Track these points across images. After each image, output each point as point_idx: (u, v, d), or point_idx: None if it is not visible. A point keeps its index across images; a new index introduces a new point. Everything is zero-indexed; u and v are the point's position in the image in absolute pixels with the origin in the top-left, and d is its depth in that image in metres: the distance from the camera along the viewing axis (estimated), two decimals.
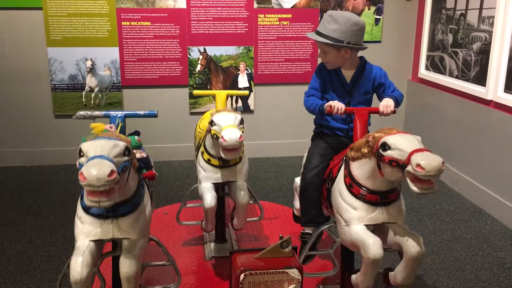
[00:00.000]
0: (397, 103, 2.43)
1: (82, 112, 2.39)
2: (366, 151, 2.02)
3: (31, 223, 3.50)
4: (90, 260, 1.86)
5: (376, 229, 2.14)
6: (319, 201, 2.46)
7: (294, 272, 1.89)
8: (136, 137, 2.16)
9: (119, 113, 2.33)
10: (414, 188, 1.80)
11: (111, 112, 2.34)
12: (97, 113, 2.38)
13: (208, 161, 2.64)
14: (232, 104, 4.76)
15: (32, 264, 2.95)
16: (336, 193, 2.21)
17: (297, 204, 3.01)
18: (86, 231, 1.92)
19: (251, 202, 2.81)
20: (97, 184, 1.60)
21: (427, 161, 1.75)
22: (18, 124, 4.63)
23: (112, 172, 1.62)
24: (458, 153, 4.13)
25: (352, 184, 2.11)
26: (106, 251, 2.14)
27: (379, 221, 2.07)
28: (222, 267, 2.86)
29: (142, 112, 2.43)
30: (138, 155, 2.10)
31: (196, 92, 3.29)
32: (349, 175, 2.14)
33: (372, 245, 1.96)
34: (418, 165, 1.75)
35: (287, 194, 4.04)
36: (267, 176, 4.48)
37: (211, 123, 2.49)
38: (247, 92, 3.29)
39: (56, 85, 4.56)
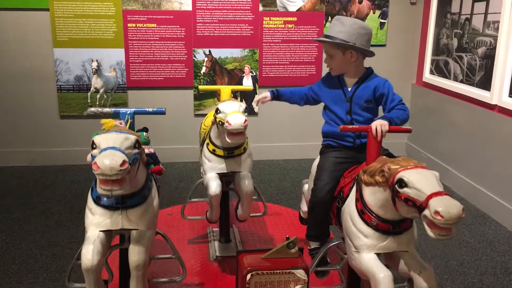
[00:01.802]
0: (396, 124, 2.29)
1: (93, 109, 2.54)
2: (380, 180, 1.93)
3: (36, 223, 3.51)
4: (101, 248, 1.93)
5: (386, 254, 2.07)
6: (328, 218, 2.43)
7: (300, 273, 1.89)
8: (144, 133, 2.23)
9: (128, 110, 2.42)
10: (430, 233, 1.72)
11: (120, 109, 2.43)
12: (107, 109, 2.48)
13: (213, 152, 2.71)
14: None
15: (37, 264, 2.97)
16: (346, 216, 2.14)
17: (303, 206, 3.01)
18: (96, 221, 1.99)
19: (254, 197, 2.84)
20: (110, 173, 1.69)
21: (447, 209, 1.65)
22: (23, 124, 4.65)
23: (124, 162, 1.71)
24: (462, 157, 4.14)
25: (364, 211, 2.03)
26: (114, 244, 2.18)
27: (390, 250, 2.01)
28: (227, 268, 2.87)
29: (150, 109, 2.53)
30: (146, 151, 2.18)
31: (201, 87, 3.48)
32: (361, 200, 2.06)
33: (383, 280, 1.88)
34: (437, 213, 1.65)
35: (291, 197, 4.05)
36: (271, 179, 4.48)
37: (217, 111, 2.57)
38: (251, 87, 3.42)
39: (61, 86, 4.59)
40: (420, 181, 1.77)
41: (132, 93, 4.69)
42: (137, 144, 1.89)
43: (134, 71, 4.63)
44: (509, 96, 3.53)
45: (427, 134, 4.71)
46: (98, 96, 4.63)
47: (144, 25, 4.55)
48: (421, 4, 4.86)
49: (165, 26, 4.57)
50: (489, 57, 3.73)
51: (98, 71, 4.57)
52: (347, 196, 2.19)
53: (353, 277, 2.32)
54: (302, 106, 2.80)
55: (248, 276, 1.86)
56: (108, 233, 2.03)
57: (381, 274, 1.90)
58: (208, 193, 2.63)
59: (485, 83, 3.79)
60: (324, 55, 2.55)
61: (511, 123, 3.51)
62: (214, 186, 2.61)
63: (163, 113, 2.54)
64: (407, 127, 2.33)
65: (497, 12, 3.63)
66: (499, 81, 3.62)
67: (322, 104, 2.62)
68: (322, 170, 2.44)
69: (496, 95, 3.65)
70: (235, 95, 4.80)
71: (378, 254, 2.02)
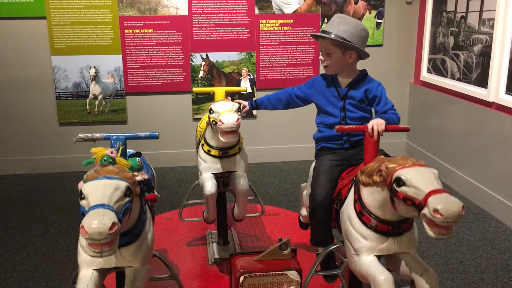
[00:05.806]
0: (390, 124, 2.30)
1: (82, 135, 2.36)
2: (378, 180, 1.90)
3: (36, 230, 3.53)
4: None
5: (387, 257, 2.04)
6: (329, 221, 2.41)
7: (293, 274, 1.90)
8: (137, 158, 2.14)
9: (120, 135, 2.29)
10: (430, 232, 1.67)
11: (111, 135, 2.30)
12: (97, 135, 2.35)
13: (208, 152, 2.73)
14: None
15: (38, 271, 2.98)
16: (345, 217, 2.10)
17: (303, 211, 3.01)
18: (89, 260, 1.90)
19: (251, 198, 2.85)
20: (99, 238, 1.58)
21: (446, 206, 1.60)
22: (23, 133, 4.67)
23: (113, 225, 1.59)
24: (461, 155, 4.13)
25: (362, 212, 1.99)
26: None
27: (390, 251, 1.97)
28: (226, 271, 2.87)
29: (143, 134, 2.38)
30: (139, 178, 2.08)
31: (195, 89, 3.50)
32: (359, 201, 2.02)
33: (384, 283, 1.84)
34: (436, 211, 1.61)
35: (290, 198, 4.05)
36: (271, 181, 4.49)
37: (210, 111, 2.61)
38: (245, 88, 3.40)
39: (60, 93, 4.61)
40: (418, 179, 1.73)
41: (130, 99, 4.71)
42: (128, 192, 1.76)
43: (132, 77, 4.65)
44: (506, 93, 3.52)
45: (426, 133, 4.70)
46: (96, 102, 4.65)
47: (141, 30, 4.57)
48: (416, 3, 4.85)
49: (162, 31, 4.59)
50: (485, 54, 3.73)
51: (96, 78, 4.60)
52: (345, 198, 2.16)
53: (354, 281, 2.29)
54: (283, 110, 2.84)
55: (241, 278, 1.86)
56: (102, 270, 1.96)
57: (381, 276, 1.86)
58: (204, 192, 2.65)
59: (482, 81, 3.78)
60: (320, 53, 2.51)
61: (509, 120, 3.50)
62: (209, 185, 2.63)
63: (156, 137, 2.38)
64: (405, 126, 2.33)
65: (492, 9, 3.63)
66: (495, 78, 3.61)
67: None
68: (318, 174, 2.44)
69: (493, 92, 3.64)
70: (233, 97, 4.81)
71: (379, 257, 1.97)
